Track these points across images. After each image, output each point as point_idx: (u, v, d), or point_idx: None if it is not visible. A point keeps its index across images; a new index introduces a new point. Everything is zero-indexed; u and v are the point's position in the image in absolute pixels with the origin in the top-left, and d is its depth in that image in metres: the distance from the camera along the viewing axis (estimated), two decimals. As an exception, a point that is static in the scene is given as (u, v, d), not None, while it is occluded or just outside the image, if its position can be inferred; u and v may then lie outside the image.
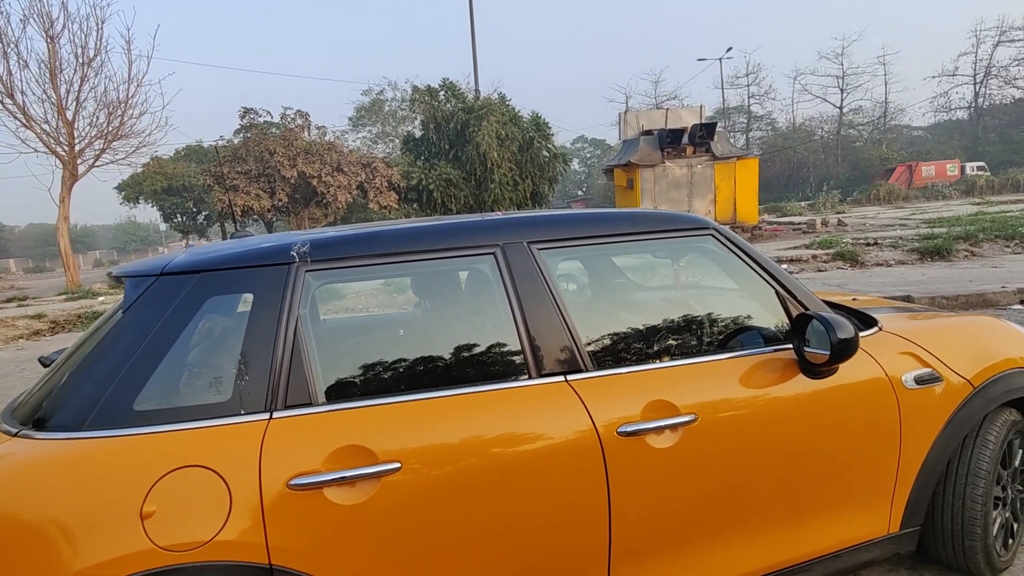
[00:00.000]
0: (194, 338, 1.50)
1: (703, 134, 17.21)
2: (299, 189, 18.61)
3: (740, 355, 1.81)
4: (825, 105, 52.09)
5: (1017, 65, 49.46)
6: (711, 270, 2.05)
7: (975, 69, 50.94)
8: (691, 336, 1.90)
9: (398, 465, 1.40)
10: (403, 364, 1.64)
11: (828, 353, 1.66)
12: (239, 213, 16.95)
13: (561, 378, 1.62)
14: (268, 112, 20.36)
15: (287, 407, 1.42)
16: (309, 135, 19.79)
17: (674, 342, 1.84)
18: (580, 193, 61.38)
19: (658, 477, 1.62)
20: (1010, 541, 2.15)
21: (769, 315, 1.93)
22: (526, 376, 1.61)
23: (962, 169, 36.85)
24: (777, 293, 1.91)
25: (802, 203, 30.88)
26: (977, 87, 51.27)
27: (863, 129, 51.41)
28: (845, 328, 1.66)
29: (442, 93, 20.48)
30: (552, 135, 21.07)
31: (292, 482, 1.33)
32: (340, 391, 1.54)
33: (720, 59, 42.84)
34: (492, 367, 1.64)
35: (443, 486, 1.44)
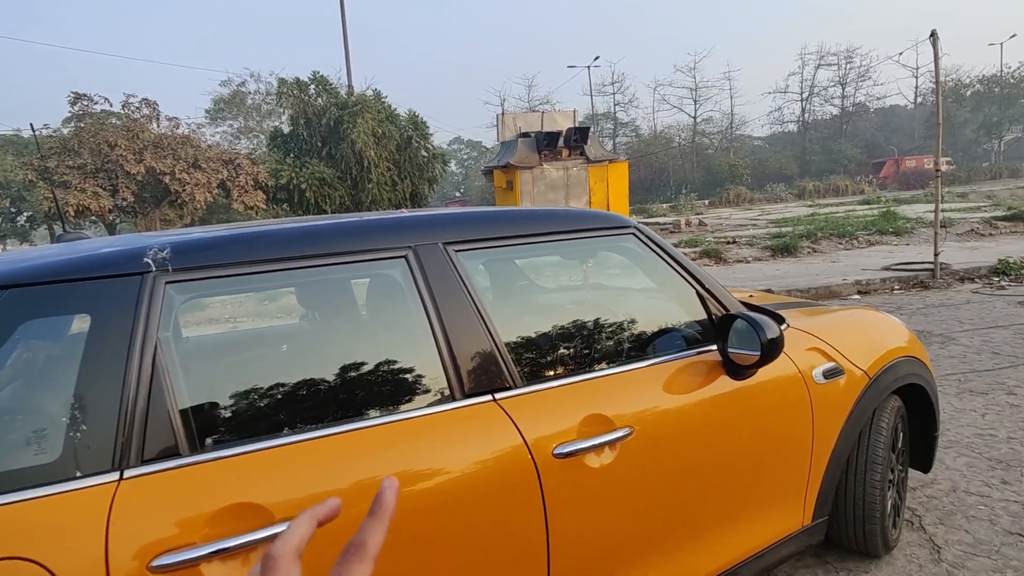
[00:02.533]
0: (1, 378, 1.11)
1: (577, 138, 17.80)
2: (148, 187, 16.55)
3: (667, 360, 1.72)
4: (681, 114, 56.57)
5: (833, 86, 57.08)
6: (631, 270, 1.95)
7: (801, 88, 58.03)
8: (617, 341, 1.79)
9: (299, 521, 1.13)
10: (301, 392, 1.35)
11: (758, 354, 1.62)
12: (72, 214, 14.70)
13: (489, 397, 1.42)
14: (106, 99, 17.89)
15: (144, 462, 1.09)
16: (159, 127, 17.68)
17: (601, 349, 1.72)
18: (458, 194, 61.32)
19: (596, 497, 1.48)
20: (897, 519, 2.30)
21: (691, 316, 1.88)
22: (449, 398, 1.39)
23: (935, 164, 42.27)
24: (698, 293, 1.86)
25: (665, 205, 33.15)
26: (804, 103, 58.43)
27: (714, 138, 56.55)
28: (771, 328, 1.63)
29: (312, 87, 19.29)
30: (430, 135, 20.70)
31: (155, 563, 1.01)
32: (218, 434, 1.22)
33: (588, 67, 44.84)
34: (410, 390, 1.40)
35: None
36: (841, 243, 11.37)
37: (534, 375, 1.55)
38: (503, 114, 20.77)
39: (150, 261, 1.20)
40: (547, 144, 17.72)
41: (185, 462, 1.12)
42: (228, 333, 2.71)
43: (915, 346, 2.36)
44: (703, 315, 1.85)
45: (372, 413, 1.32)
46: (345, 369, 1.41)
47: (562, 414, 1.47)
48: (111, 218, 16.89)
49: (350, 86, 20.65)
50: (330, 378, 1.39)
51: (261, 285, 1.44)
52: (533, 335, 1.69)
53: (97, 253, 1.22)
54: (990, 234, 11.58)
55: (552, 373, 1.59)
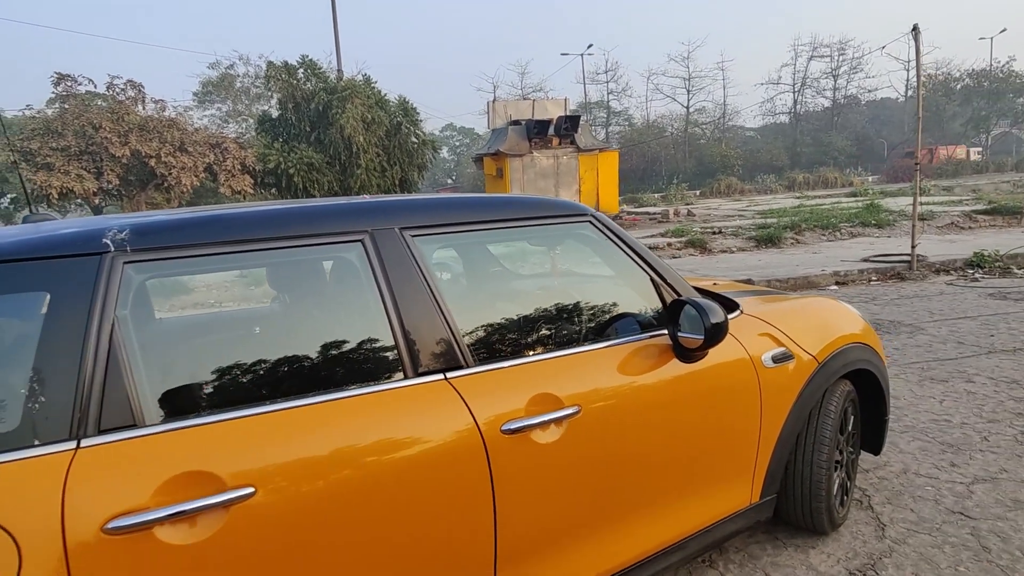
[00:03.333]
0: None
1: (568, 126, 17.82)
2: (133, 170, 16.38)
3: (618, 343, 1.80)
4: (674, 104, 56.64)
5: (825, 78, 57.20)
6: (588, 256, 2.02)
7: (794, 79, 58.12)
8: (571, 325, 1.86)
9: (251, 490, 1.19)
10: (258, 369, 1.41)
11: (702, 338, 1.69)
12: (55, 196, 14.55)
13: (440, 376, 1.49)
14: (91, 80, 17.61)
15: (101, 431, 1.15)
16: (144, 109, 17.46)
17: (554, 332, 1.78)
18: (450, 181, 61.09)
19: (544, 473, 1.55)
20: (845, 498, 2.40)
21: (644, 301, 1.95)
22: (401, 376, 1.45)
23: (967, 153, 43.43)
24: (651, 279, 1.93)
25: (656, 195, 33.24)
26: (796, 95, 58.53)
27: (706, 128, 56.58)
28: (716, 313, 1.70)
29: (301, 71, 19.12)
30: (420, 121, 20.59)
31: (109, 526, 1.07)
32: (176, 406, 1.28)
33: (582, 55, 44.62)
34: (363, 368, 1.46)
35: (309, 506, 1.25)
36: (824, 235, 11.51)
37: (487, 356, 1.61)
38: (494, 101, 20.70)
39: (108, 242, 1.25)
40: (537, 132, 17.73)
41: (142, 432, 1.18)
42: (198, 315, 2.76)
43: (867, 334, 2.46)
44: (656, 301, 1.92)
45: (324, 390, 1.38)
46: (301, 347, 1.47)
47: (512, 393, 1.54)
48: (96, 201, 16.73)
49: (340, 71, 20.49)
50: (286, 356, 1.45)
51: (220, 266, 1.49)
52: (490, 318, 1.76)
53: (56, 234, 1.27)
54: (969, 227, 11.76)
55: (505, 354, 1.66)
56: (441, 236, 1.66)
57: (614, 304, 1.98)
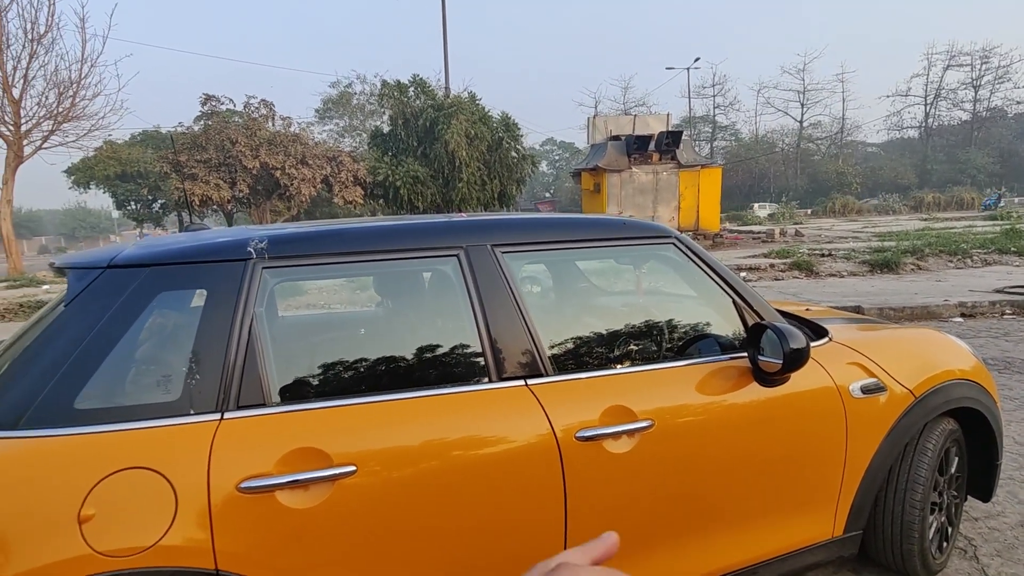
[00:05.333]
0: (142, 334, 1.45)
1: (669, 142, 17.52)
2: (261, 180, 18.15)
3: (697, 362, 1.84)
4: (786, 119, 53.82)
5: (964, 88, 52.05)
6: (672, 278, 2.08)
7: (926, 91, 53.40)
8: (650, 342, 1.93)
9: (353, 468, 1.38)
10: (361, 365, 1.62)
11: (781, 362, 1.70)
12: (197, 203, 16.40)
13: (521, 382, 1.62)
14: (231, 100, 19.77)
15: (239, 407, 1.38)
16: (273, 125, 19.32)
17: (634, 348, 1.86)
18: (548, 195, 61.69)
19: (614, 481, 1.64)
20: (944, 544, 2.25)
21: (726, 324, 1.97)
22: (486, 380, 1.60)
23: None
24: (734, 302, 1.95)
25: (762, 213, 31.72)
26: (928, 108, 53.73)
27: (821, 143, 53.26)
28: (797, 338, 1.71)
29: (412, 89, 20.30)
30: (521, 136, 21.13)
31: (243, 485, 1.29)
32: (295, 392, 1.51)
33: (688, 69, 43.70)
34: (453, 370, 1.63)
35: (399, 490, 1.42)
36: (952, 261, 10.51)
37: (567, 367, 1.72)
38: (595, 116, 20.78)
39: (252, 250, 1.50)
40: (637, 148, 17.58)
41: (269, 411, 1.41)
42: (314, 314, 3.09)
43: (978, 372, 2.30)
44: (738, 323, 1.94)
45: (420, 387, 1.55)
46: (400, 348, 1.66)
47: (588, 403, 1.64)
48: (229, 208, 18.62)
49: (447, 88, 21.48)
50: (387, 355, 1.64)
51: (338, 273, 1.72)
52: (572, 331, 1.87)
53: (213, 242, 1.54)
54: None
55: (584, 366, 1.76)
56: (529, 253, 1.80)
57: (695, 325, 2.02)
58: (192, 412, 1.35)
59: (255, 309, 1.46)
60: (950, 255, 10.71)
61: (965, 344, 2.45)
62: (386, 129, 21.31)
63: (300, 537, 1.33)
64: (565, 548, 1.63)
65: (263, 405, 1.41)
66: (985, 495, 2.43)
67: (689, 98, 49.69)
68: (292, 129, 19.77)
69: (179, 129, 18.63)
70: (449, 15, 22.11)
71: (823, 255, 11.42)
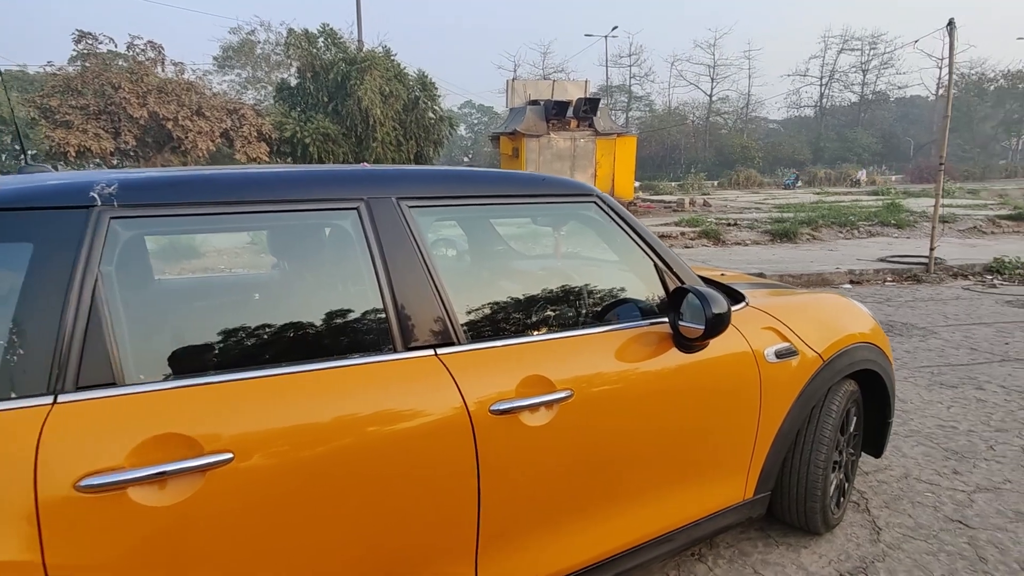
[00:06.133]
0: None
1: (587, 109, 17.57)
2: (150, 132, 16.42)
3: (617, 328, 1.75)
4: (697, 92, 55.75)
5: (855, 72, 55.97)
6: (591, 239, 1.97)
7: (822, 72, 56.94)
8: (570, 308, 1.82)
9: (230, 456, 1.17)
10: (244, 335, 1.39)
11: (703, 327, 1.64)
12: (73, 155, 14.62)
13: (431, 351, 1.45)
14: (111, 40, 17.59)
15: (80, 388, 1.13)
16: (164, 71, 17.45)
17: (552, 314, 1.74)
18: (467, 160, 60.77)
19: (530, 456, 1.52)
20: (842, 499, 2.35)
21: (647, 287, 1.90)
22: (391, 349, 1.42)
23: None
24: (655, 265, 1.87)
25: (673, 183, 32.83)
26: (823, 88, 57.38)
27: (728, 118, 55.71)
28: (719, 303, 1.65)
29: (321, 40, 18.98)
30: (439, 96, 20.42)
31: (82, 483, 1.05)
32: (159, 368, 1.26)
33: (606, 37, 43.90)
34: (352, 339, 1.43)
35: (286, 479, 1.23)
36: (842, 232, 11.31)
37: (481, 334, 1.57)
38: (514, 79, 20.44)
39: (96, 195, 1.22)
40: (556, 113, 17.49)
41: (121, 392, 1.16)
42: (200, 278, 2.74)
43: (876, 334, 2.39)
44: (659, 287, 1.87)
45: (313, 359, 1.35)
46: (292, 315, 1.44)
47: (503, 373, 1.51)
48: (114, 162, 16.80)
49: (360, 41, 20.31)
50: (277, 323, 1.42)
51: (211, 226, 1.46)
52: (486, 296, 1.72)
53: (44, 185, 1.24)
54: (992, 232, 11.51)
55: (500, 333, 1.62)
56: (439, 208, 1.61)
57: (615, 289, 1.93)
58: (14, 395, 1.08)
59: (101, 268, 1.19)
60: (840, 226, 11.52)
61: (865, 308, 2.54)
62: (293, 82, 19.87)
63: (161, 542, 1.11)
64: (478, 529, 1.52)
65: (112, 385, 1.16)
66: (877, 451, 2.56)
67: (607, 67, 50.19)
68: (186, 76, 17.97)
69: (48, 70, 16.41)
70: (362, -38, 20.74)
71: (729, 224, 11.95)
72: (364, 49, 19.36)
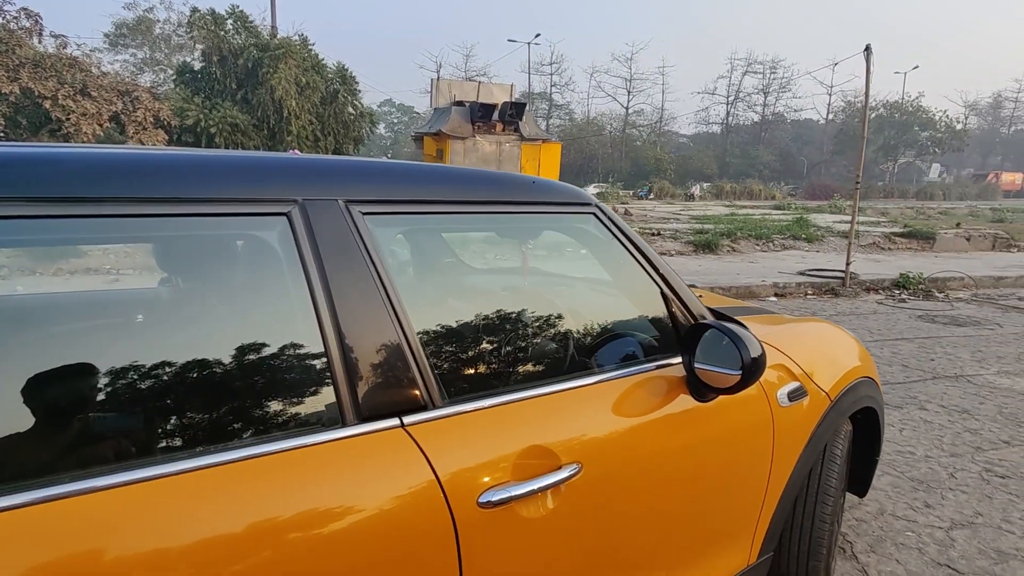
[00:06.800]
0: None
1: (513, 113, 17.41)
2: (24, 111, 14.45)
3: (623, 374, 1.39)
4: (614, 104, 57.51)
5: (757, 93, 59.90)
6: (586, 259, 1.60)
7: (728, 92, 60.53)
8: (565, 348, 1.44)
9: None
10: (114, 407, 0.89)
11: (739, 374, 1.31)
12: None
13: (394, 421, 1.02)
14: (-24, 4, 15.36)
15: None
16: (41, 44, 15.44)
17: (551, 360, 1.35)
18: (388, 157, 59.22)
19: (527, 554, 1.13)
20: (832, 548, 2.13)
21: (651, 319, 1.56)
22: (336, 422, 0.98)
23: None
24: (662, 294, 1.53)
25: (593, 191, 33.48)
26: (728, 107, 60.97)
27: (643, 130, 57.89)
28: (754, 344, 1.33)
29: (230, 22, 17.57)
30: (359, 92, 19.52)
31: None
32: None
33: (528, 43, 44.17)
34: (279, 411, 0.97)
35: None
36: (758, 244, 11.71)
37: (461, 391, 1.16)
38: (439, 79, 19.95)
39: None
40: (482, 116, 17.20)
41: None
42: (68, 293, 2.09)
43: (869, 365, 2.18)
44: (666, 319, 1.53)
45: (222, 444, 0.89)
46: (187, 375, 0.95)
47: (495, 445, 1.10)
48: (-25, 142, 14.65)
49: (274, 27, 19.05)
50: (164, 388, 0.93)
51: (62, 234, 0.96)
52: (460, 336, 1.29)
53: None
54: (889, 248, 12.35)
55: (485, 388, 1.21)
56: (406, 216, 1.18)
57: (614, 321, 1.57)
58: None
59: None
60: (756, 239, 11.93)
61: (851, 334, 2.34)
62: (197, 66, 18.24)
63: None
64: None
65: None
66: (862, 490, 2.37)
67: (529, 73, 50.48)
68: (69, 51, 16.00)
69: None
70: (277, -56, 19.47)
71: (653, 234, 12.07)
72: (278, 36, 18.15)
